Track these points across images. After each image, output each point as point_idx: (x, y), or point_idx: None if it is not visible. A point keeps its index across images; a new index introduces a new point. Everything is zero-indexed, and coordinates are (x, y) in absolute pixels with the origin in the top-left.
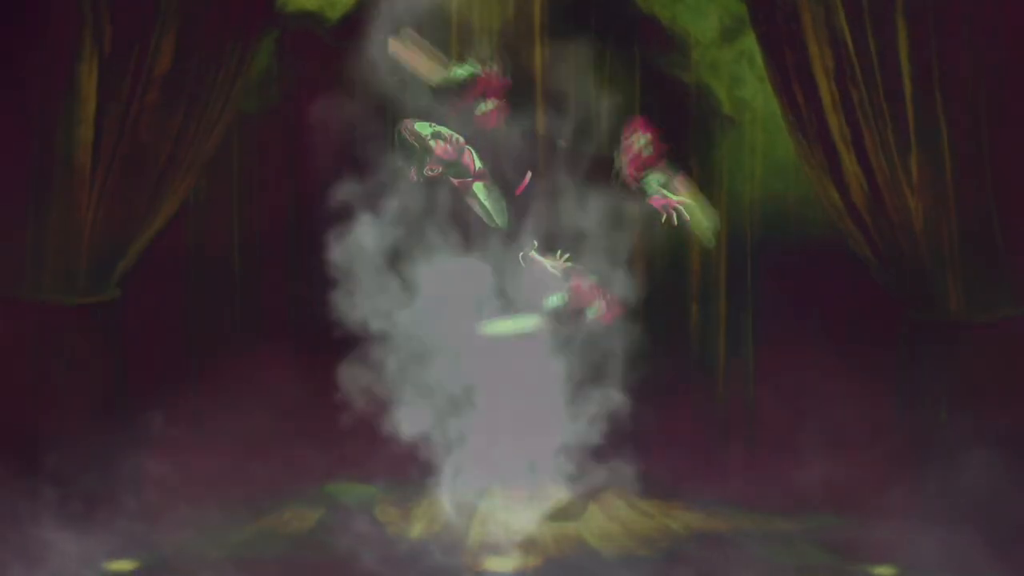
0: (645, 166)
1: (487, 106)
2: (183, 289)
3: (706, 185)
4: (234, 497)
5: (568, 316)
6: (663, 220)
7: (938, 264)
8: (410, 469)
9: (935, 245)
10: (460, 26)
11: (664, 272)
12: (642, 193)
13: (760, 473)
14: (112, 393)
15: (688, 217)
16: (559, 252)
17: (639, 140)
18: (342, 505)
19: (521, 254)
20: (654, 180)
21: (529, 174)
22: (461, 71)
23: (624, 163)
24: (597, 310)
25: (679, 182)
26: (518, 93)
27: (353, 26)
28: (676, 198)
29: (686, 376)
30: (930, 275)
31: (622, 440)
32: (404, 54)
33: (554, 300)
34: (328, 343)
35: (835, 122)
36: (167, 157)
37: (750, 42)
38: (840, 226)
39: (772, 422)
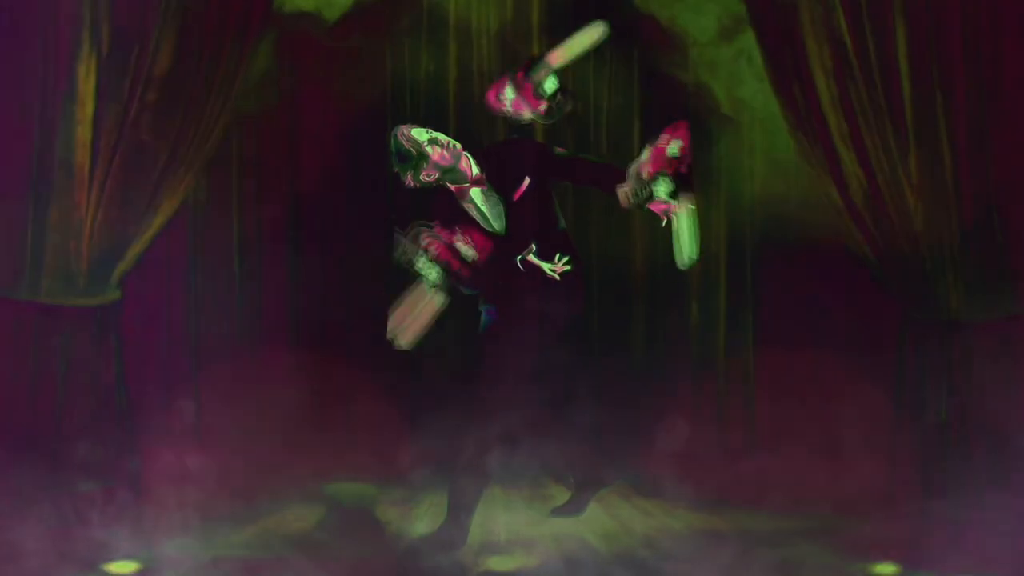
0: (665, 168)
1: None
2: (183, 290)
3: (705, 185)
4: (234, 497)
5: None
6: (663, 224)
7: (938, 264)
8: (411, 469)
9: (935, 245)
10: (458, 27)
11: (664, 271)
12: (647, 191)
13: (761, 472)
14: (112, 395)
15: (678, 233)
16: (558, 256)
17: (673, 142)
18: (342, 505)
19: (519, 258)
20: (664, 185)
21: (527, 179)
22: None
23: (648, 157)
24: (467, 255)
25: (685, 200)
26: (572, 91)
27: (351, 26)
28: (677, 206)
29: (686, 375)
30: (930, 275)
31: (622, 438)
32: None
33: (427, 269)
34: (329, 344)
35: (834, 121)
36: (166, 158)
37: (749, 41)
38: (840, 226)
39: (772, 421)
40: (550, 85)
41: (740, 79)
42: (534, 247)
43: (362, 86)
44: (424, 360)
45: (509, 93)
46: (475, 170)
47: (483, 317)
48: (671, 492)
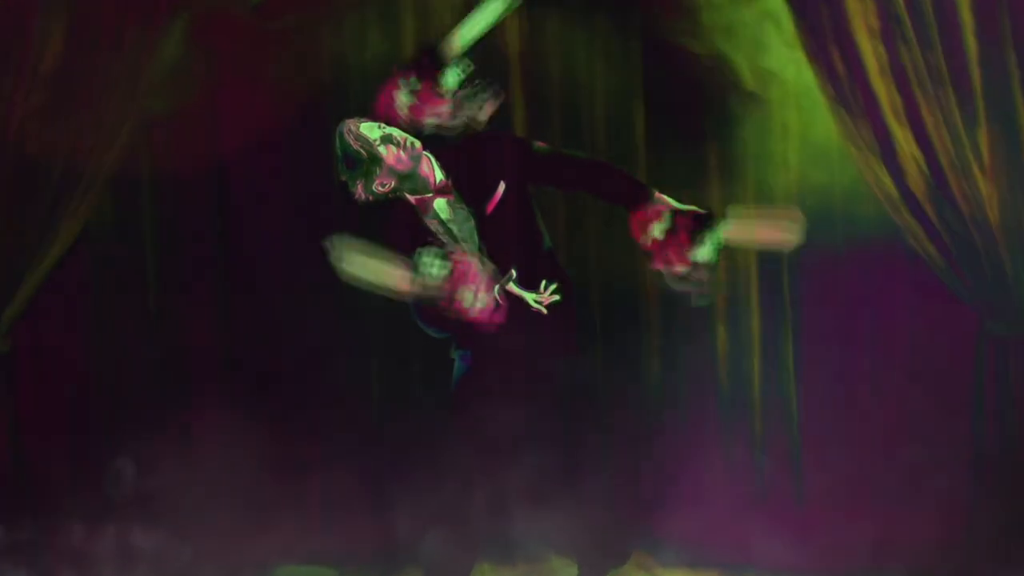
0: (682, 250)
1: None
2: (87, 332)
3: (728, 178)
4: None
5: (438, 291)
6: None
7: (1019, 262)
8: (377, 547)
9: (1014, 239)
10: None
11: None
12: (700, 274)
13: (809, 533)
14: (6, 462)
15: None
16: (544, 283)
17: (658, 224)
18: None
19: (496, 287)
20: (706, 246)
21: (502, 186)
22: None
23: (659, 262)
24: (474, 301)
25: (739, 222)
26: (490, 79)
27: (280, 2)
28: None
29: (713, 415)
30: (1011, 277)
31: (639, 498)
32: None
33: (434, 265)
34: (273, 392)
35: (884, 92)
36: (60, 173)
37: None
38: (897, 220)
39: (821, 470)
40: (452, 77)
41: (766, 46)
42: (514, 273)
43: (296, 75)
44: (388, 420)
45: (404, 98)
46: (439, 175)
47: (456, 365)
48: (700, 560)
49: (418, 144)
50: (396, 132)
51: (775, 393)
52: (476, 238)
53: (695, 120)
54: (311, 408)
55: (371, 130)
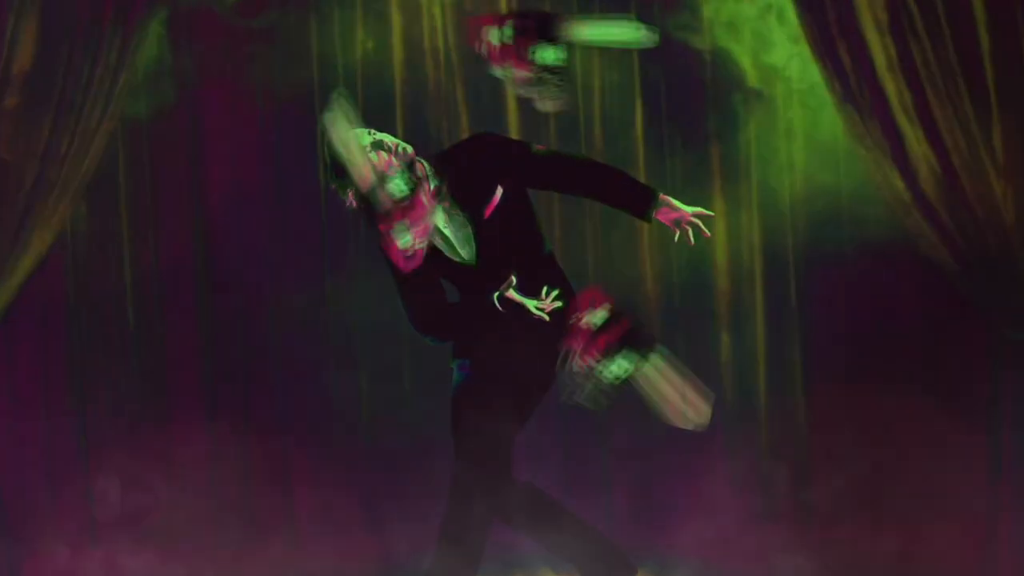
0: (605, 349)
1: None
2: (63, 348)
3: (731, 180)
4: None
5: (383, 206)
6: (676, 238)
7: None
8: (371, 565)
9: None
10: None
11: (682, 295)
12: (596, 382)
13: (820, 547)
14: None
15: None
16: (545, 289)
17: (594, 316)
18: None
19: (496, 295)
20: (619, 362)
21: (500, 190)
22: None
23: (572, 349)
24: (402, 237)
25: (659, 370)
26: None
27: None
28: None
29: (716, 428)
30: None
31: (641, 515)
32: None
33: (398, 186)
34: (256, 416)
35: (893, 89)
36: (33, 180)
37: None
38: (908, 224)
39: (831, 484)
40: (551, 55)
41: (769, 41)
42: (514, 279)
43: (282, 75)
44: (381, 433)
45: (494, 36)
46: (433, 181)
47: (454, 375)
48: None
49: (411, 149)
50: (388, 138)
51: (782, 403)
52: (473, 244)
53: (696, 119)
54: (298, 422)
55: (361, 136)
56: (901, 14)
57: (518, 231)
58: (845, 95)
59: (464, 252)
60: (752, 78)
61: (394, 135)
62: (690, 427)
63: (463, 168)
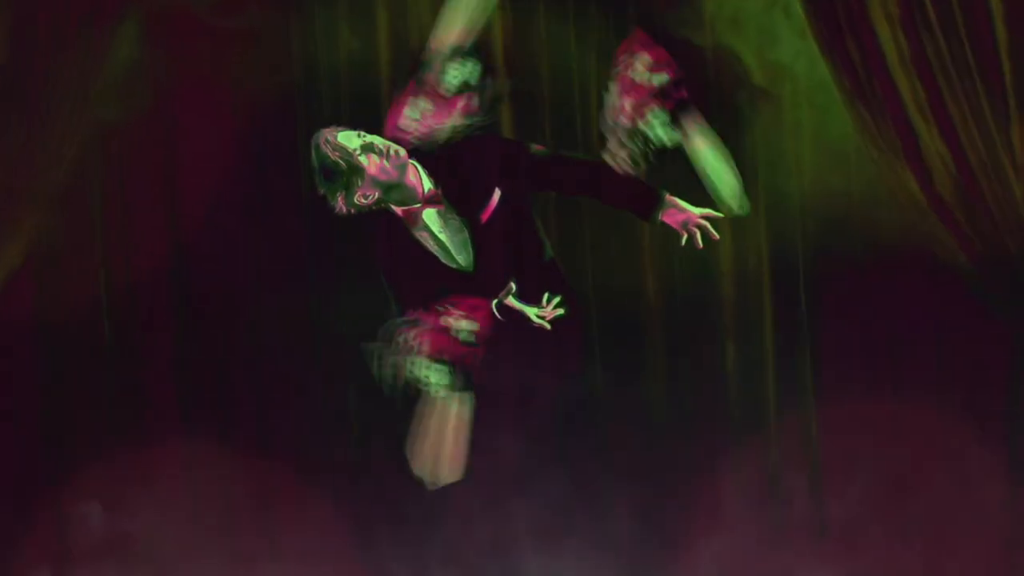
0: (649, 100)
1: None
2: (34, 369)
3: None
4: None
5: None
6: (683, 242)
7: None
8: None
9: None
10: None
11: (686, 305)
12: (641, 145)
13: (834, 565)
14: None
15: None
16: (546, 296)
17: (639, 63)
18: None
19: (494, 303)
20: (659, 119)
21: (498, 193)
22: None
23: (616, 99)
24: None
25: (692, 122)
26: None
27: None
28: (696, 161)
29: (724, 443)
30: None
31: (645, 537)
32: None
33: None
34: (241, 436)
35: (906, 86)
36: (2, 190)
37: None
38: (923, 227)
39: (845, 500)
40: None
41: (775, 37)
42: (513, 286)
43: (262, 77)
44: (373, 455)
45: (422, 105)
46: (427, 184)
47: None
48: None
49: (403, 152)
50: (378, 140)
51: (792, 415)
52: (471, 250)
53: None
54: (284, 443)
55: (350, 139)
56: (913, 6)
57: (517, 235)
58: (855, 92)
59: (461, 258)
60: (757, 76)
61: (385, 138)
62: (433, 486)
63: (459, 170)
